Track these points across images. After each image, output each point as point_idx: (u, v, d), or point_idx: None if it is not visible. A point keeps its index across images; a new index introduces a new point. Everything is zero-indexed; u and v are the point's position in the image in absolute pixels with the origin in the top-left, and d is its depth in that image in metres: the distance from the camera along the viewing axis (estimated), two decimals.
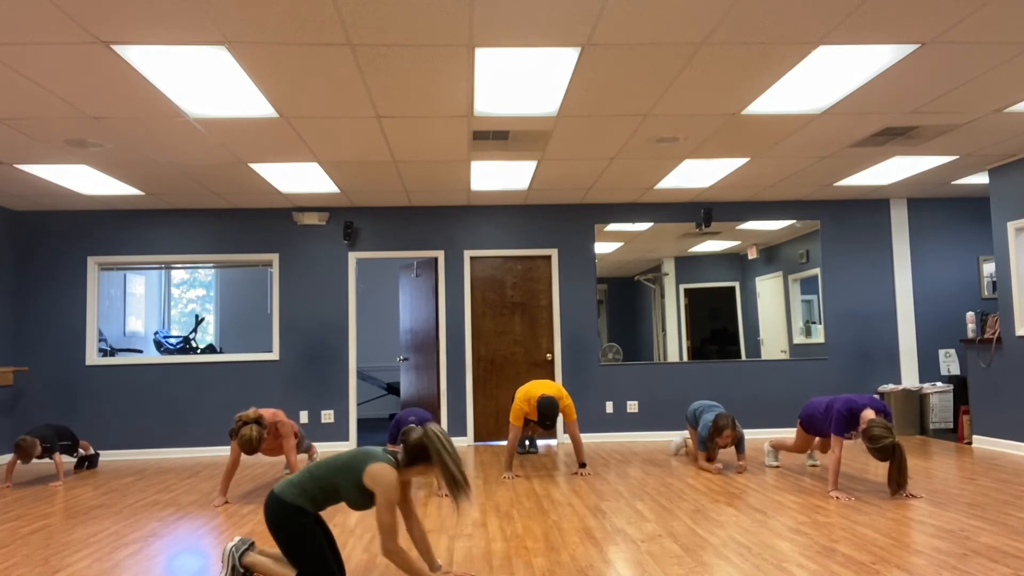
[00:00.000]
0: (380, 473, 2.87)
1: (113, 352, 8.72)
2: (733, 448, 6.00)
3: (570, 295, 7.80)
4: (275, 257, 7.64)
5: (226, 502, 4.99)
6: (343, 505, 4.79)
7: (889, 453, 4.45)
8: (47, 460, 6.87)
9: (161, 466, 6.73)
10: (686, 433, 6.88)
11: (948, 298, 7.93)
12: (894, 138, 5.55)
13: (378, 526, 2.83)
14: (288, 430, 5.17)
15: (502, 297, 7.82)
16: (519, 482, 5.48)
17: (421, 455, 2.97)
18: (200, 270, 10.70)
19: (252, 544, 3.15)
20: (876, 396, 4.78)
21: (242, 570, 3.07)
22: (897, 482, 4.57)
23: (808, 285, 7.91)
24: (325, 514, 4.56)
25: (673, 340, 7.82)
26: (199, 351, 9.12)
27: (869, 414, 4.61)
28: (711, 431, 5.56)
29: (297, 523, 2.88)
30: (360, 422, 10.12)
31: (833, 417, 4.77)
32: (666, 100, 4.62)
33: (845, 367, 7.82)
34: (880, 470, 5.52)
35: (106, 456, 7.29)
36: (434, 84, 4.25)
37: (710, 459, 5.79)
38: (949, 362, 7.79)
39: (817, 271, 7.91)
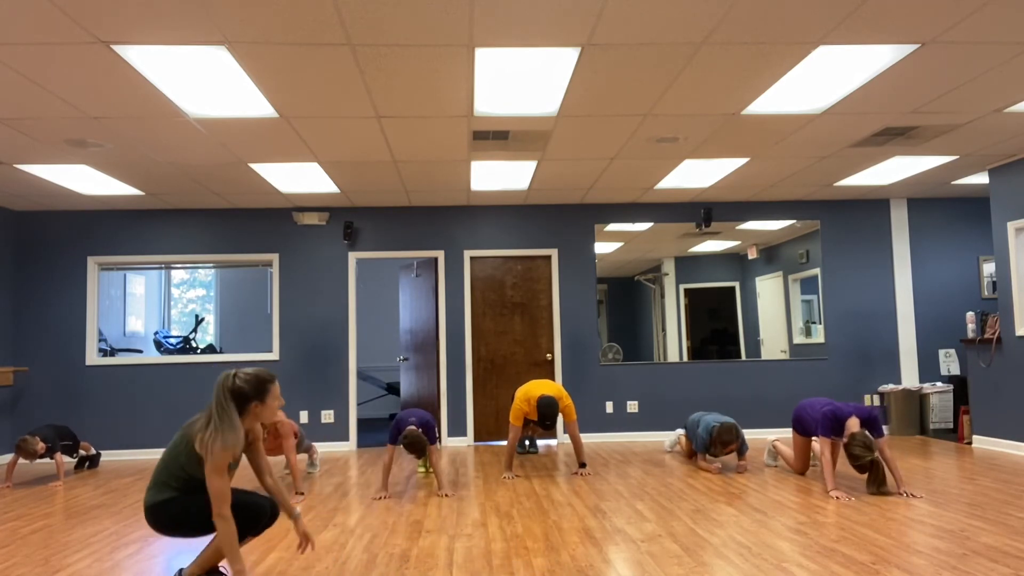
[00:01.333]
0: (207, 440, 2.85)
1: (113, 352, 8.72)
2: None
3: (570, 295, 7.80)
4: (275, 257, 7.64)
5: None
6: (342, 505, 4.80)
7: (867, 469, 4.67)
8: (48, 460, 6.88)
9: None
10: (680, 431, 6.88)
11: (948, 298, 7.93)
12: (894, 138, 5.55)
13: (209, 492, 2.80)
14: (288, 430, 5.17)
15: (502, 297, 7.82)
16: (519, 482, 5.48)
17: (242, 396, 2.94)
18: (200, 270, 10.70)
19: (179, 572, 3.06)
20: (861, 404, 4.90)
21: None
22: (876, 483, 4.78)
23: (808, 285, 7.91)
24: (324, 515, 4.56)
25: (673, 340, 7.82)
26: (199, 351, 9.12)
27: (854, 424, 4.73)
28: (713, 438, 5.55)
29: (173, 507, 2.88)
30: (360, 422, 10.12)
31: (819, 420, 4.88)
32: (666, 100, 4.62)
33: (845, 367, 7.82)
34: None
35: (106, 456, 7.29)
36: (434, 84, 4.25)
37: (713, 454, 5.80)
38: (949, 362, 7.79)
39: (817, 271, 7.91)
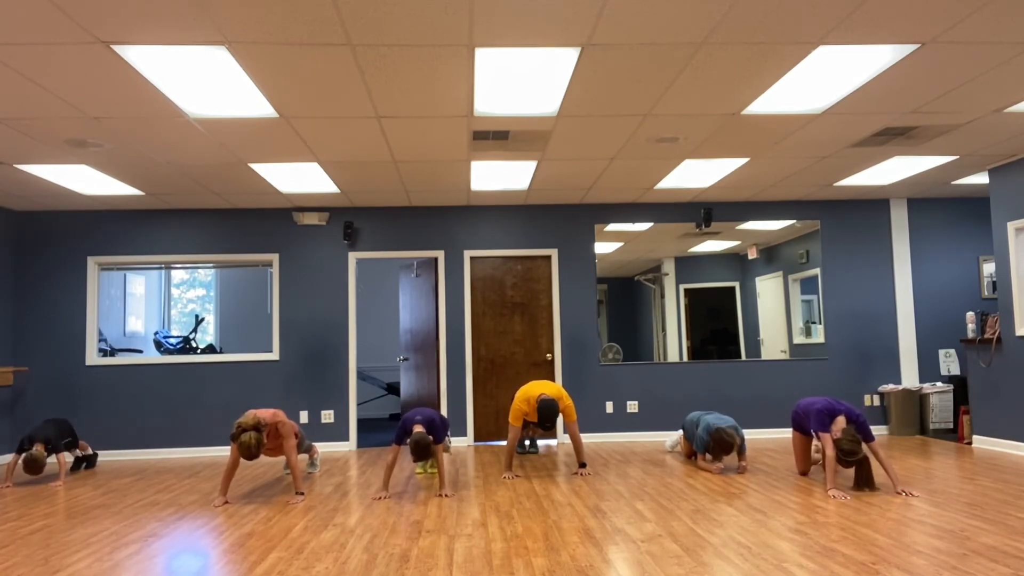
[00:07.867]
0: None
1: (113, 352, 8.72)
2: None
3: (570, 295, 7.80)
4: (275, 257, 7.64)
5: (226, 502, 4.99)
6: (342, 505, 4.80)
7: (852, 464, 4.75)
8: (50, 460, 6.88)
9: (161, 466, 6.73)
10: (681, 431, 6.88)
11: (948, 298, 7.93)
12: (894, 138, 5.55)
13: None
14: (288, 430, 5.17)
15: (502, 297, 7.81)
16: (519, 482, 5.48)
17: None
18: (200, 270, 10.70)
19: None
20: (853, 406, 5.07)
21: None
22: (864, 483, 4.88)
23: (808, 285, 7.91)
24: (324, 515, 4.56)
25: (673, 340, 7.82)
26: (199, 351, 9.12)
27: (842, 422, 4.83)
28: (713, 442, 5.53)
29: None
30: (360, 422, 10.12)
31: (814, 416, 4.94)
32: (666, 100, 4.62)
33: (845, 367, 7.82)
34: (879, 472, 5.53)
35: (106, 456, 7.29)
36: (434, 84, 4.25)
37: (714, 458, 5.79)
38: (949, 362, 7.79)
39: (817, 271, 7.90)
